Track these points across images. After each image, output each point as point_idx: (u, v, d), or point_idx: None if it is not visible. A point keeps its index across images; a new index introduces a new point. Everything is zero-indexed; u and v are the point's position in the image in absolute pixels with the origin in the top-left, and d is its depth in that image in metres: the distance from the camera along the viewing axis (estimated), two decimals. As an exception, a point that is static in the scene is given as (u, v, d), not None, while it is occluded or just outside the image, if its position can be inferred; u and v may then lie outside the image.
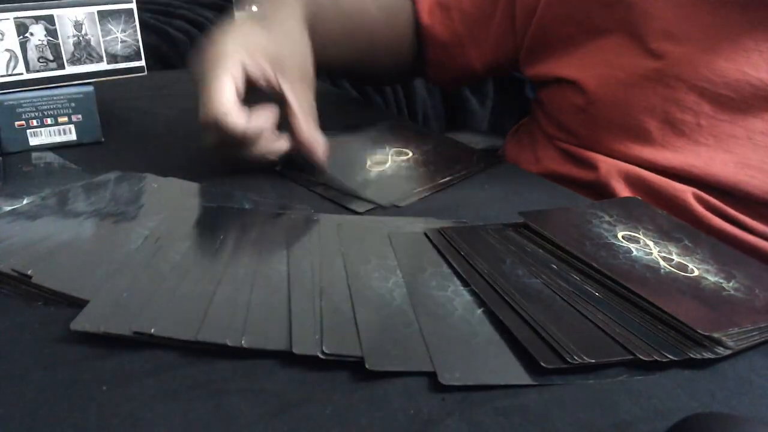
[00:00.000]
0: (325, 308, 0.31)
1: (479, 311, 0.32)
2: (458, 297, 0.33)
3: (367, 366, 0.28)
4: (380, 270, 0.35)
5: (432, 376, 0.28)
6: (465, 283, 0.35)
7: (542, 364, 0.28)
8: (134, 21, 0.56)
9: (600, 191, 0.54)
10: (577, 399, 0.27)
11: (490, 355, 0.29)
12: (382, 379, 0.28)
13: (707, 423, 0.23)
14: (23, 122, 0.54)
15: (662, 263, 0.35)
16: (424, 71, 0.73)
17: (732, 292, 0.33)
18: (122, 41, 0.56)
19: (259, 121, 0.46)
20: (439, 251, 0.38)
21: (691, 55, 0.50)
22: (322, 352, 0.28)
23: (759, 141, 0.49)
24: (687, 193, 0.50)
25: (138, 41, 0.57)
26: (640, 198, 0.44)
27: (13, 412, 0.25)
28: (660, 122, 0.52)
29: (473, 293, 0.34)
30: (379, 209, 0.45)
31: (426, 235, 0.39)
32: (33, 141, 0.55)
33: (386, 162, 0.53)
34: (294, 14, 0.54)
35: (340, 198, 0.46)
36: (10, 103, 0.53)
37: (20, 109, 0.53)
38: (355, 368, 0.28)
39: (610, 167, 0.54)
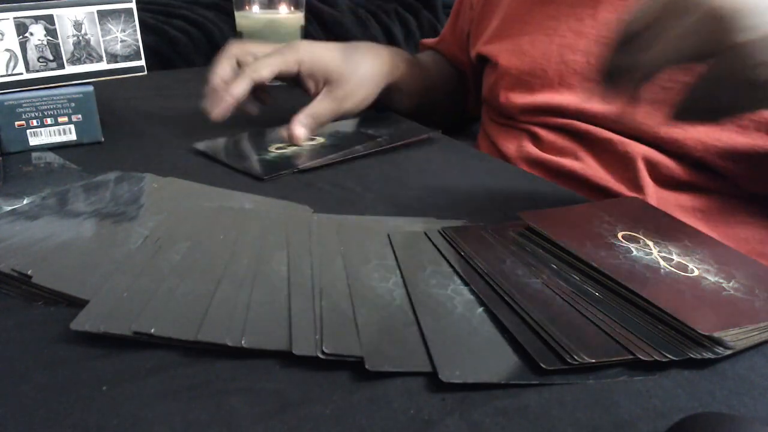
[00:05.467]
0: (325, 308, 0.31)
1: (480, 310, 0.32)
2: (458, 296, 0.33)
3: (366, 366, 0.28)
4: (380, 270, 0.35)
5: (432, 376, 0.28)
6: (465, 282, 0.35)
7: (542, 365, 0.28)
8: (134, 21, 0.56)
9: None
10: (577, 399, 0.27)
11: (491, 353, 0.29)
12: (382, 379, 0.28)
13: (707, 423, 0.23)
14: (23, 122, 0.54)
15: (662, 263, 0.35)
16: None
17: (732, 291, 0.33)
18: (122, 41, 0.56)
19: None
20: (439, 251, 0.38)
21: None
22: (322, 352, 0.28)
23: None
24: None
25: (138, 41, 0.57)
26: (640, 198, 0.44)
27: (13, 412, 0.25)
28: (556, 63, 0.60)
29: (474, 292, 0.34)
30: (379, 209, 0.45)
31: (426, 235, 0.39)
32: (33, 141, 0.55)
33: (289, 146, 0.58)
34: (386, 52, 0.67)
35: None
36: (10, 103, 0.53)
37: (20, 109, 0.53)
38: (355, 368, 0.28)
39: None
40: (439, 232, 0.40)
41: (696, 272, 0.35)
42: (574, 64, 0.59)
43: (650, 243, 0.38)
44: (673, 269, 0.35)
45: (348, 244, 0.38)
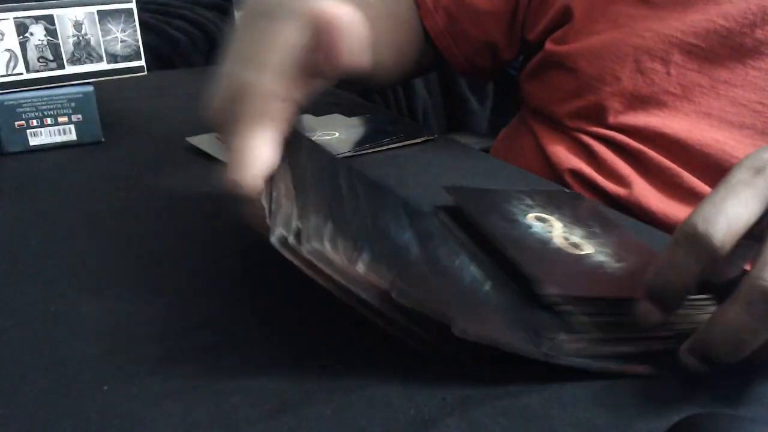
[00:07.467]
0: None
1: (488, 284, 0.32)
2: (467, 266, 0.34)
3: (393, 296, 0.26)
4: (396, 222, 0.36)
5: (432, 376, 0.28)
6: (473, 254, 0.35)
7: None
8: (134, 21, 0.56)
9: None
10: (577, 399, 0.27)
11: (499, 318, 0.30)
12: (382, 379, 0.28)
13: (707, 423, 0.23)
14: (23, 122, 0.54)
15: (556, 241, 0.35)
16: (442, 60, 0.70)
17: (611, 270, 0.32)
18: (122, 41, 0.56)
19: None
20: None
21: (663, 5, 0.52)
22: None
23: (721, 90, 0.50)
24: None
25: (138, 41, 0.57)
26: (580, 193, 0.44)
27: (13, 412, 0.25)
28: (632, 71, 0.52)
29: (482, 263, 0.34)
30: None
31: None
32: (33, 141, 0.55)
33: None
34: None
35: None
36: (10, 103, 0.53)
37: (20, 109, 0.53)
38: (355, 368, 0.28)
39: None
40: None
41: (587, 251, 0.34)
42: (653, 74, 0.51)
43: (558, 225, 0.37)
44: (562, 247, 0.34)
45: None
